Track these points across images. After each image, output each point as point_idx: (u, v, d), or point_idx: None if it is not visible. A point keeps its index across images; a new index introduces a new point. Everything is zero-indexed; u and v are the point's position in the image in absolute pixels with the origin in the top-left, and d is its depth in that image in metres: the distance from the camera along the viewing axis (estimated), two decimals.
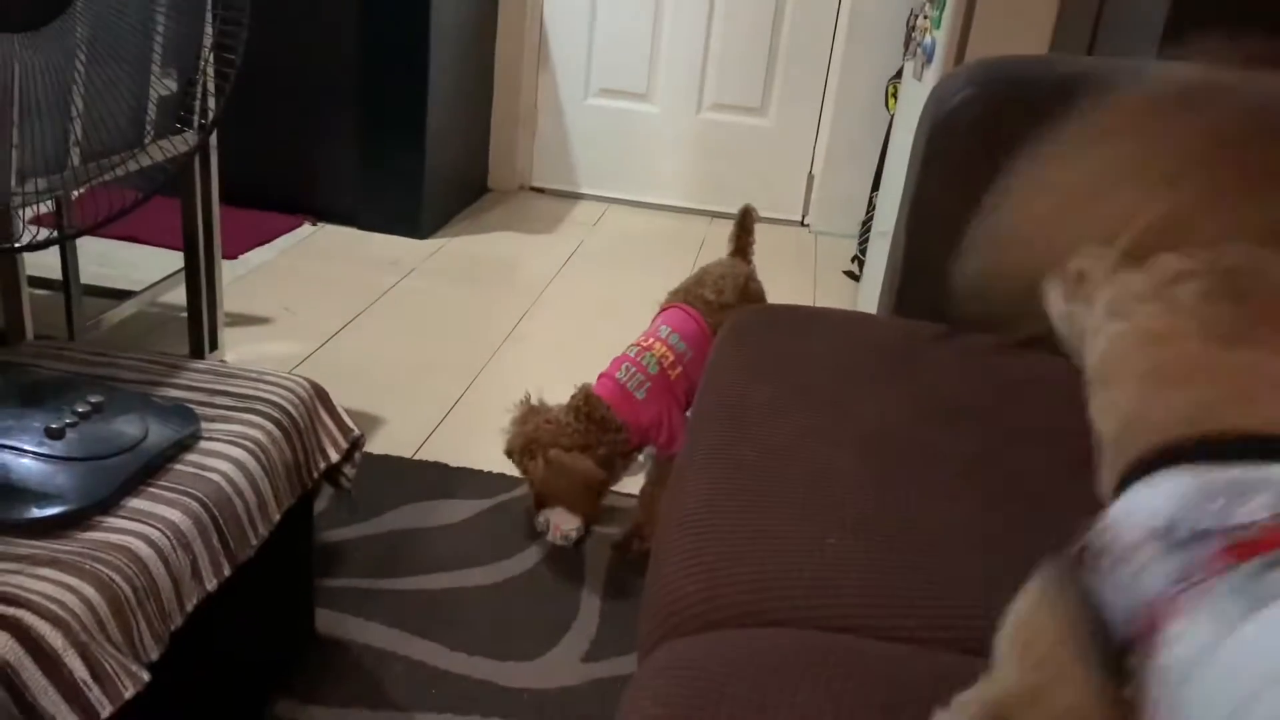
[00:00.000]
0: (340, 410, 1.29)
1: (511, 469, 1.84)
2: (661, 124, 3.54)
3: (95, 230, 1.21)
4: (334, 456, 1.26)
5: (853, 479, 0.96)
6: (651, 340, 1.74)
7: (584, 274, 2.91)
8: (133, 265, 2.57)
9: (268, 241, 2.87)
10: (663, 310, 1.85)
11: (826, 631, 0.78)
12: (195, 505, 1.00)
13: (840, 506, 0.91)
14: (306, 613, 1.38)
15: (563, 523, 1.61)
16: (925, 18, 2.22)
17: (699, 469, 0.99)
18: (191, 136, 1.58)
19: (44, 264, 2.09)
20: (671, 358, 1.71)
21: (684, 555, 0.86)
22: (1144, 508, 0.51)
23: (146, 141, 1.57)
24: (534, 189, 3.68)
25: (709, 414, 1.10)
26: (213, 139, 1.92)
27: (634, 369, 1.69)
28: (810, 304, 2.71)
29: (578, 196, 3.65)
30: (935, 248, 1.40)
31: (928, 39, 2.18)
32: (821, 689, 0.68)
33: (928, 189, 1.39)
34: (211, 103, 1.48)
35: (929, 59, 2.13)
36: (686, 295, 1.86)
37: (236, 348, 2.22)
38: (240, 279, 2.61)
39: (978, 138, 1.32)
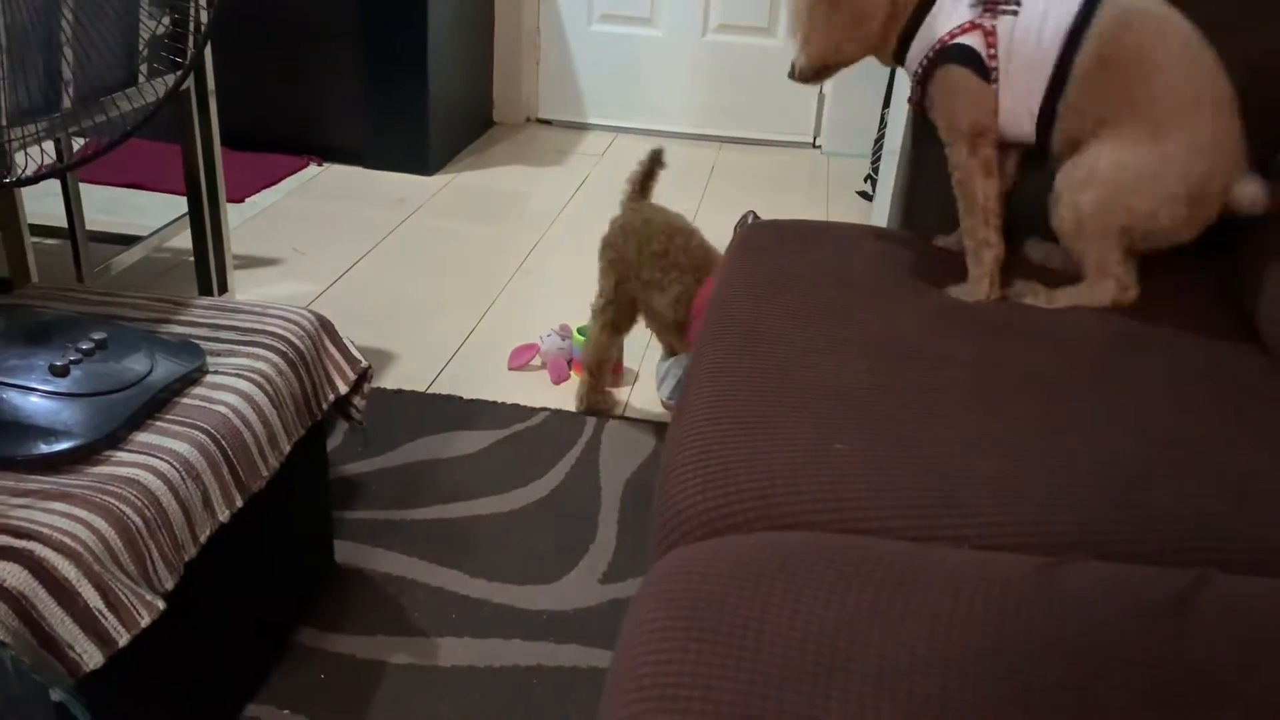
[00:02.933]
0: (347, 342, 1.28)
1: (526, 399, 1.84)
2: (667, 48, 3.47)
3: (88, 162, 1.20)
4: (342, 388, 1.26)
5: (860, 386, 0.95)
6: None
7: (592, 206, 2.88)
8: (139, 211, 2.56)
9: (274, 183, 2.86)
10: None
11: (833, 533, 0.78)
12: (203, 438, 1.00)
13: (847, 413, 0.90)
14: (325, 544, 1.40)
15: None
16: None
17: (706, 381, 0.98)
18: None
19: (50, 214, 2.09)
20: None
21: (690, 464, 0.86)
22: None
23: (140, 81, 1.56)
24: (540, 121, 3.63)
25: (717, 328, 1.09)
26: (210, 81, 1.90)
27: None
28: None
29: (585, 127, 3.61)
30: (940, 159, 1.37)
31: None
32: (825, 591, 0.68)
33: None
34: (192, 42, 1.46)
35: None
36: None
37: (247, 290, 2.22)
38: (248, 221, 2.60)
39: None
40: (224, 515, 1.01)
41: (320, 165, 3.03)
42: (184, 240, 2.04)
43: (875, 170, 3.01)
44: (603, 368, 1.81)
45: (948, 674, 0.62)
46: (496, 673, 1.24)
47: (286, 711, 1.17)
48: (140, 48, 1.60)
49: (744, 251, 1.25)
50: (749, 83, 3.47)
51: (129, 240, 2.05)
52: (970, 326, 1.07)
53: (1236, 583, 0.70)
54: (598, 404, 1.81)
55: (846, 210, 2.97)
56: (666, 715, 0.60)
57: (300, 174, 2.95)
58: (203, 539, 0.98)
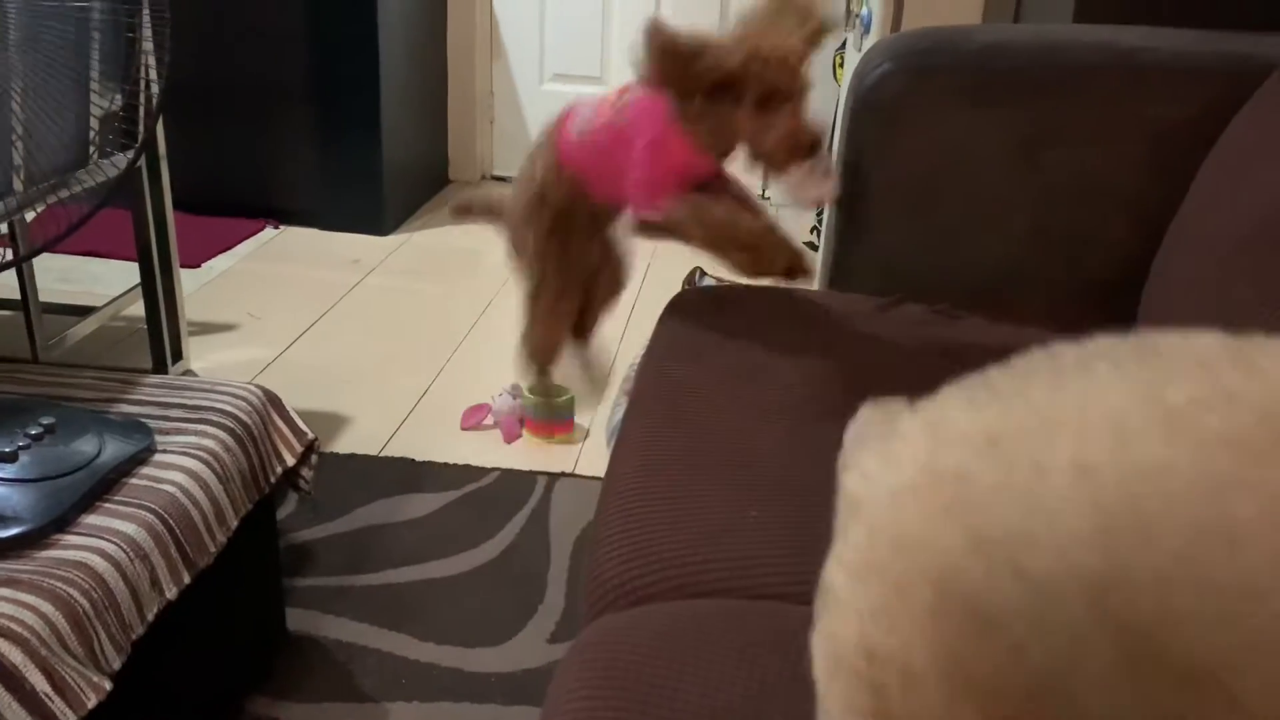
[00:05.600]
0: (293, 414, 1.32)
1: (478, 459, 1.88)
2: None
3: (44, 251, 1.23)
4: (290, 460, 1.30)
5: (778, 451, 1.00)
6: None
7: None
8: (95, 279, 2.59)
9: (230, 248, 2.89)
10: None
11: (747, 599, 0.82)
12: (151, 518, 1.04)
13: (763, 479, 0.95)
14: (277, 613, 1.42)
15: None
16: None
17: (632, 453, 1.03)
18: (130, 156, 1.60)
19: (2, 284, 2.11)
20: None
21: (615, 536, 0.90)
22: None
23: (91, 161, 1.60)
24: (496, 178, 3.70)
25: (645, 396, 1.14)
26: (161, 147, 1.94)
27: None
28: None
29: None
30: (868, 220, 1.44)
31: (864, 9, 2.21)
32: (734, 658, 0.72)
33: (856, 163, 1.42)
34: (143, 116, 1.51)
35: (866, 30, 2.15)
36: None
37: (203, 356, 2.25)
38: (204, 286, 2.64)
39: (899, 111, 1.36)
40: (172, 593, 1.04)
41: (277, 228, 3.07)
42: (140, 308, 2.07)
43: (819, 220, 3.10)
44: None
45: None
46: None
47: None
48: (92, 127, 1.64)
49: (672, 318, 1.30)
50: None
51: (84, 311, 2.08)
52: (893, 385, 1.13)
53: None
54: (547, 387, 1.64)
55: None
56: None
57: (257, 237, 2.99)
58: (150, 617, 1.01)
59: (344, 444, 1.92)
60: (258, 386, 1.30)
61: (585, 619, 0.87)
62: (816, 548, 0.87)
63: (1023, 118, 1.27)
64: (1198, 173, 1.22)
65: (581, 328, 1.58)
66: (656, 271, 2.84)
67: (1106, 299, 1.28)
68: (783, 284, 1.29)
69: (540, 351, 1.54)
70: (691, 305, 1.36)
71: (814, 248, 3.13)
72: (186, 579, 1.07)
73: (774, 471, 0.97)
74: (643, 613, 0.80)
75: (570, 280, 1.50)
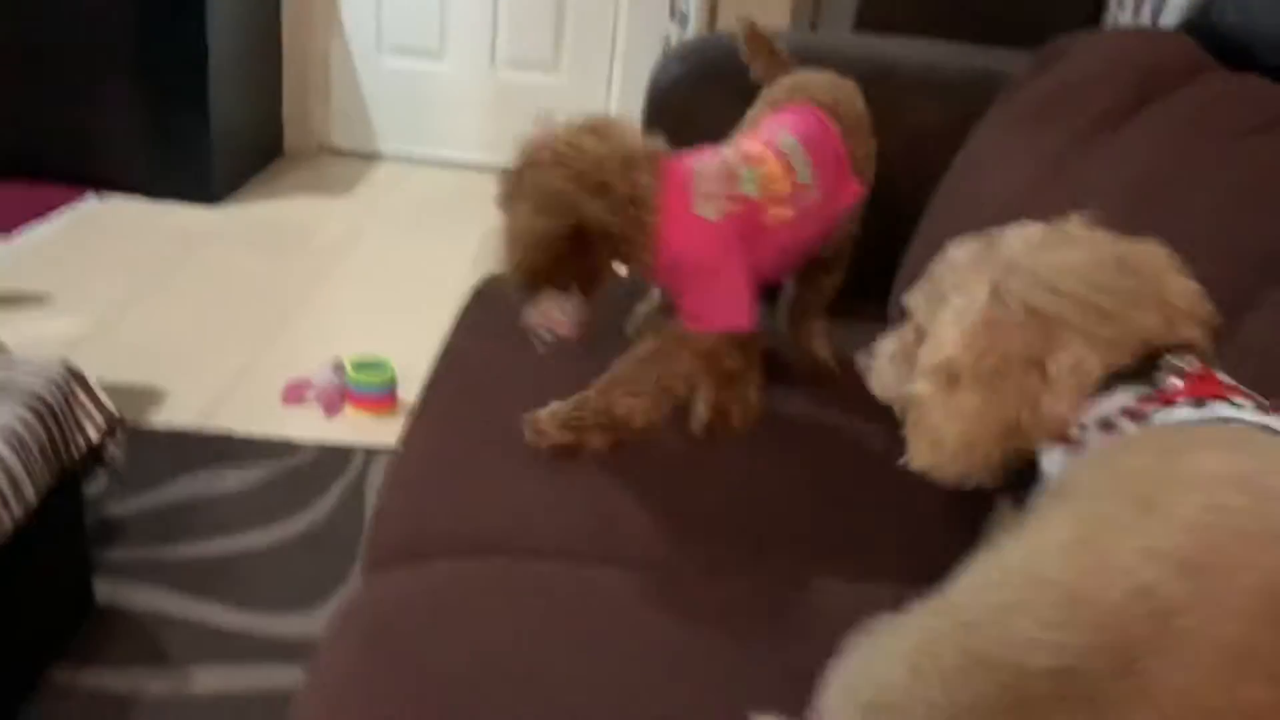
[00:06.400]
0: (99, 391, 1.34)
1: (298, 434, 1.91)
2: (455, 81, 3.58)
3: None
4: (94, 436, 1.32)
5: None
6: (763, 149, 1.10)
7: (380, 236, 2.96)
8: None
9: (47, 215, 2.81)
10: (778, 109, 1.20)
11: (511, 558, 0.91)
12: None
13: (541, 451, 1.04)
14: (84, 584, 1.44)
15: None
16: None
17: (423, 426, 1.11)
18: None
19: None
20: (784, 189, 1.08)
21: (395, 500, 0.99)
22: None
23: None
24: (332, 150, 3.67)
25: (442, 373, 1.22)
26: None
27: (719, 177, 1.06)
28: None
29: (376, 156, 3.67)
30: None
31: (686, 4, 2.31)
32: (490, 613, 0.81)
33: None
34: None
35: (684, 26, 2.26)
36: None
37: (14, 328, 2.20)
38: (17, 255, 2.56)
39: (690, 111, 1.46)
40: None
41: (100, 196, 2.99)
42: None
43: None
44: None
45: (580, 671, 0.76)
46: (251, 697, 1.33)
47: None
48: None
49: (475, 301, 1.38)
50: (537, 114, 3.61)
51: None
52: None
53: (827, 589, 0.87)
54: None
55: None
56: (343, 713, 0.72)
57: (77, 206, 2.91)
58: None
59: (162, 418, 1.93)
60: (60, 362, 1.32)
61: (361, 577, 0.95)
62: (576, 511, 0.97)
63: None
64: (945, 175, 1.37)
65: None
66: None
67: (870, 293, 1.42)
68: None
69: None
70: (494, 290, 1.43)
71: None
72: None
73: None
74: (414, 570, 0.88)
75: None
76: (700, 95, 1.46)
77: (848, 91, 1.23)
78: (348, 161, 3.61)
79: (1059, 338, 0.67)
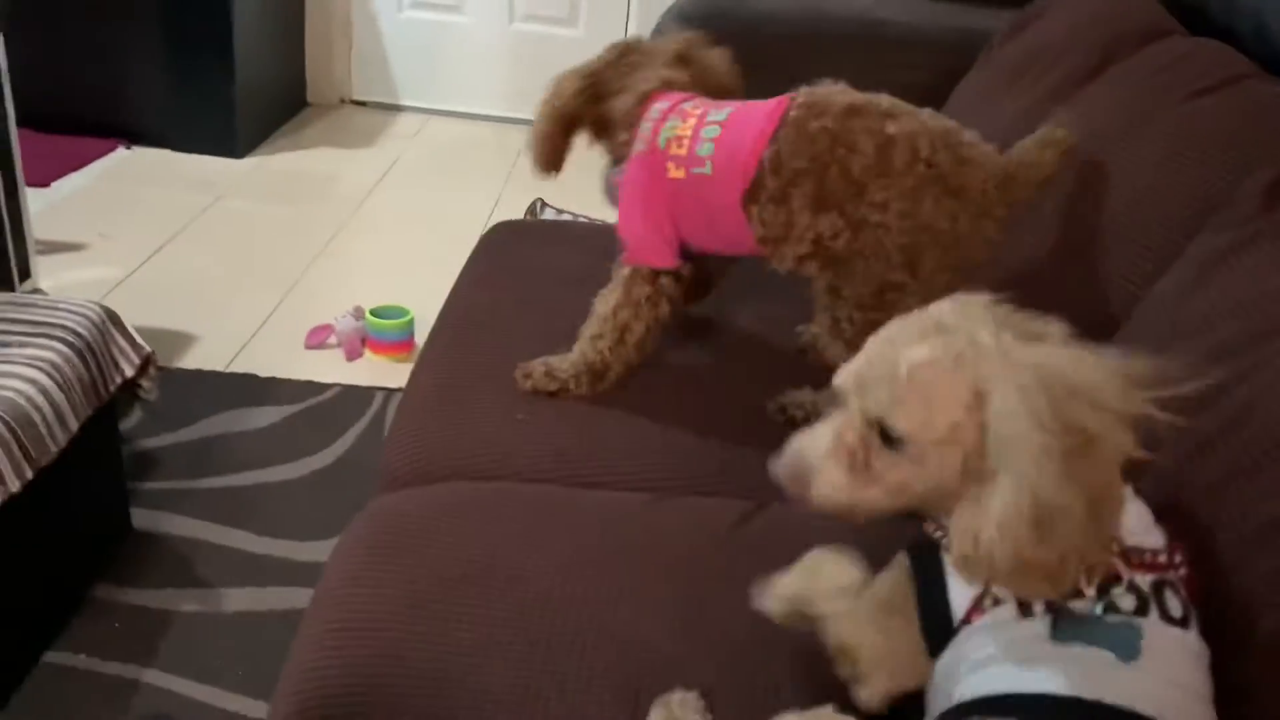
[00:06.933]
0: (131, 330, 1.45)
1: (320, 376, 2.02)
2: (475, 35, 3.64)
3: None
4: (129, 372, 1.43)
5: None
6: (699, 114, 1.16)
7: (401, 186, 3.05)
8: None
9: (81, 167, 2.91)
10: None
11: (507, 482, 1.01)
12: None
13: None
14: (122, 510, 1.56)
15: None
16: None
17: (427, 366, 1.20)
18: None
19: None
20: (681, 151, 1.14)
21: (403, 432, 1.08)
22: None
23: None
24: (355, 102, 3.75)
25: (448, 317, 1.31)
26: (2, 63, 1.95)
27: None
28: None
29: (398, 108, 3.74)
30: None
31: None
32: (481, 521, 0.91)
33: None
34: None
35: None
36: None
37: (52, 275, 2.31)
38: (54, 206, 2.67)
39: None
40: (15, 486, 1.18)
41: (129, 148, 3.09)
42: None
43: None
44: None
45: (558, 577, 0.86)
46: (276, 615, 1.44)
47: (82, 656, 1.34)
48: None
49: (483, 250, 1.47)
50: (554, 70, 3.67)
51: None
52: None
53: (784, 510, 0.96)
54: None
55: None
56: (343, 607, 0.82)
57: (109, 157, 3.01)
58: None
59: (191, 360, 2.04)
60: (97, 303, 1.42)
61: (372, 497, 1.05)
62: (563, 443, 1.06)
63: (784, 79, 1.46)
64: None
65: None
66: (509, 197, 2.98)
67: None
68: None
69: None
70: (499, 239, 1.52)
71: None
72: (29, 474, 1.20)
73: None
74: (414, 492, 0.98)
75: None
76: None
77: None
78: (370, 113, 3.69)
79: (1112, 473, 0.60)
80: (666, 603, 0.84)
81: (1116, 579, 0.63)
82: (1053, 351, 0.63)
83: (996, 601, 0.65)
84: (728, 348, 1.26)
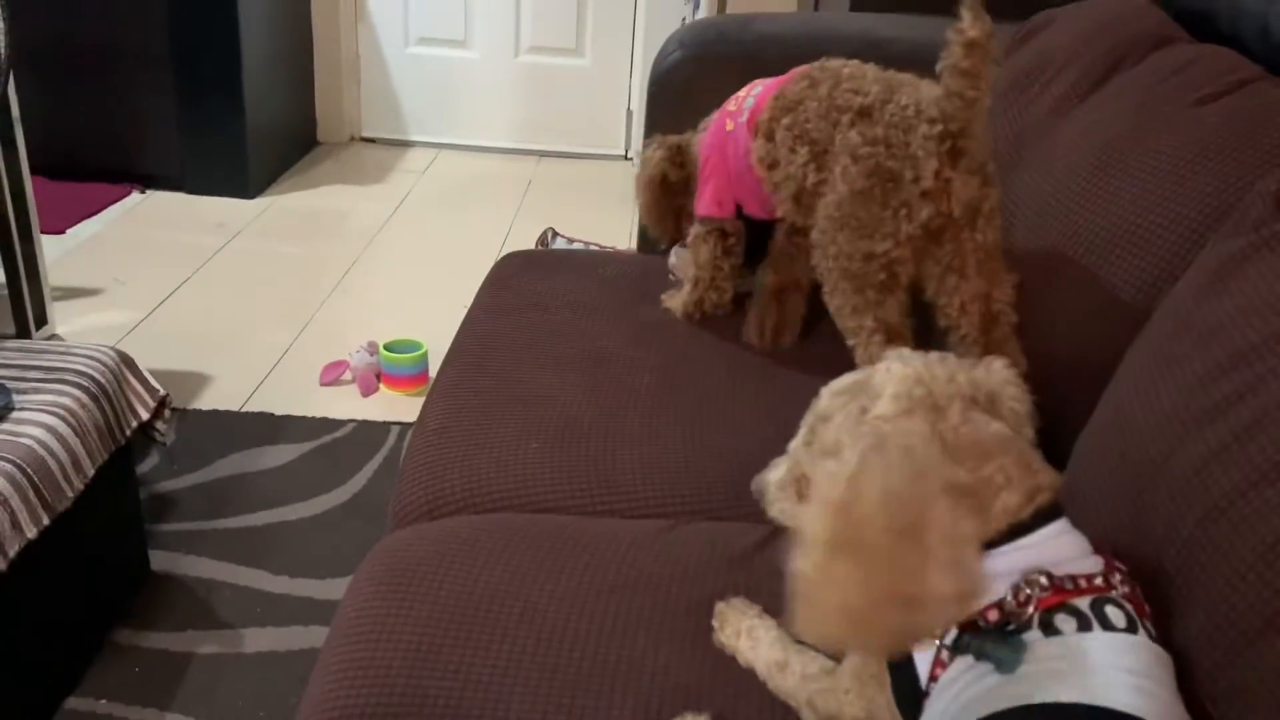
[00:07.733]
0: (146, 373, 1.45)
1: (335, 412, 2.02)
2: (482, 69, 3.67)
3: None
4: (144, 415, 1.43)
5: (563, 394, 1.18)
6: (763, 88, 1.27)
7: (412, 221, 3.06)
8: None
9: (96, 213, 2.94)
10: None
11: (518, 513, 1.00)
12: (10, 467, 1.17)
13: (547, 417, 1.13)
14: (139, 553, 1.56)
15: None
16: None
17: (442, 396, 1.20)
18: None
19: None
20: (732, 106, 1.29)
21: (418, 465, 1.08)
22: None
23: None
24: (365, 139, 3.78)
25: (459, 347, 1.31)
26: (14, 111, 1.97)
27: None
28: (631, 233, 2.92)
29: (408, 144, 3.77)
30: None
31: None
32: (496, 554, 0.90)
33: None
34: None
35: (696, 7, 2.32)
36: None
37: (68, 321, 2.32)
38: (70, 252, 2.69)
39: (689, 93, 1.53)
40: (32, 533, 1.18)
41: (143, 193, 3.12)
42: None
43: None
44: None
45: (575, 606, 0.85)
46: (296, 655, 1.43)
47: (103, 702, 1.34)
48: None
49: (494, 279, 1.47)
50: (561, 99, 3.70)
51: None
52: (663, 340, 1.32)
53: None
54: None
55: None
56: (359, 645, 0.81)
57: (122, 203, 3.03)
58: (12, 554, 1.14)
59: (206, 401, 2.04)
60: (111, 348, 1.42)
61: (386, 534, 1.04)
62: (577, 472, 1.05)
63: None
64: None
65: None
66: (520, 227, 2.99)
67: None
68: None
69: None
70: (509, 269, 1.52)
71: None
72: (46, 521, 1.20)
73: (558, 410, 1.15)
74: (431, 525, 0.98)
75: None
76: (697, 75, 1.53)
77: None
78: (379, 150, 3.71)
79: (929, 511, 0.62)
80: (684, 630, 0.83)
81: (1059, 606, 0.63)
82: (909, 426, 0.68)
83: (952, 655, 0.66)
84: (742, 372, 1.26)
